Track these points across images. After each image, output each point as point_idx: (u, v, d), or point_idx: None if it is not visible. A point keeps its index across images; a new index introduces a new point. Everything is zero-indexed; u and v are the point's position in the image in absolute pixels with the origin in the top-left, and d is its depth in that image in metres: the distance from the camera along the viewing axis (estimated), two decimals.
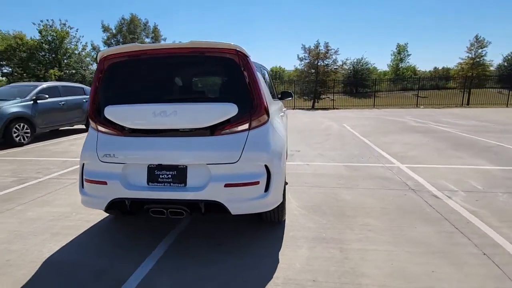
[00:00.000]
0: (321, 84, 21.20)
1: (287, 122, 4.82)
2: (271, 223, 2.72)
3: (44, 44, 31.03)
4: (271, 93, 3.48)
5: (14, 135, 6.95)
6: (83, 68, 25.61)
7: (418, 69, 44.17)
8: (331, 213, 2.97)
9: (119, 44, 21.42)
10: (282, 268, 2.09)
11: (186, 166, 2.18)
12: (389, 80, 28.66)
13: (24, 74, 32.97)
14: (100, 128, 2.35)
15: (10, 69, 31.03)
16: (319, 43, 20.87)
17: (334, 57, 20.81)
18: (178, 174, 2.19)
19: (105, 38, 24.16)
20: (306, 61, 21.67)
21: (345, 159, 5.20)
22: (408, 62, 41.11)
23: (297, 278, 1.97)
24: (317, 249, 2.33)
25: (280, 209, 2.54)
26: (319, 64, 21.25)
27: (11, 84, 9.32)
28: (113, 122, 2.27)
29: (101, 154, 2.27)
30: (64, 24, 29.63)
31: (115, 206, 2.26)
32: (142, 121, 2.23)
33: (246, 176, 2.16)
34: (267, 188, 2.20)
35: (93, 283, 1.95)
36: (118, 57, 2.30)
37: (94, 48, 24.47)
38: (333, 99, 21.17)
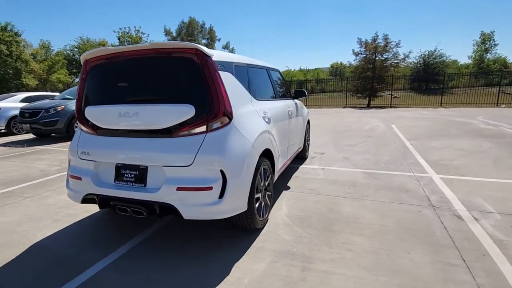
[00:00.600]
0: (378, 80, 19.47)
1: (301, 122, 4.54)
2: (244, 230, 2.59)
3: None
4: (266, 93, 3.31)
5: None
6: None
7: (510, 61, 37.37)
8: (317, 226, 2.69)
9: None
10: (229, 281, 1.96)
11: (147, 167, 2.21)
12: (469, 75, 24.69)
13: None
14: (81, 127, 2.54)
15: None
16: (377, 36, 19.17)
17: (394, 50, 18.87)
18: (140, 175, 2.23)
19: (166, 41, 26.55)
20: (362, 55, 20.13)
21: (370, 165, 4.67)
22: (495, 53, 35.04)
23: None
24: (278, 264, 2.12)
25: (249, 217, 2.40)
26: (376, 58, 19.55)
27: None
28: (91, 122, 2.43)
29: (79, 151, 2.45)
30: (138, 30, 33.20)
31: (88, 201, 2.42)
32: (110, 122, 2.34)
33: (199, 180, 2.08)
34: (221, 195, 2.09)
35: (50, 269, 2.12)
36: (95, 60, 2.45)
37: None
38: (395, 96, 19.19)
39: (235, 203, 2.18)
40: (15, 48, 24.32)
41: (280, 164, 3.25)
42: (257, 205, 2.50)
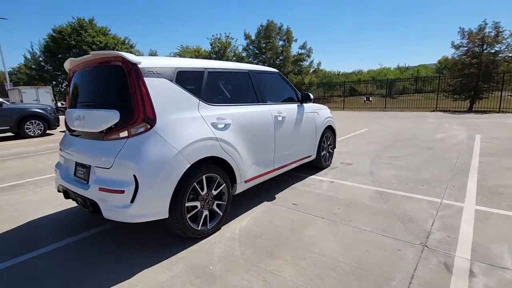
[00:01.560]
0: (485, 78, 15.74)
1: (309, 129, 4.12)
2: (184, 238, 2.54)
3: (212, 54, 39.06)
4: (238, 97, 3.14)
5: None
6: None
7: None
8: (259, 246, 2.42)
9: (256, 50, 24.13)
10: (121, 285, 1.98)
11: (90, 166, 2.43)
12: None
13: None
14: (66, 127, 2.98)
15: None
16: (485, 24, 15.49)
17: (509, 41, 14.88)
18: (86, 172, 2.47)
19: (244, 45, 27.87)
20: (464, 48, 16.62)
21: (395, 183, 3.87)
22: None
23: None
24: (178, 280, 2.01)
25: (177, 225, 2.35)
26: (484, 51, 15.84)
27: None
28: (65, 123, 2.83)
29: (60, 147, 2.88)
30: (228, 36, 36.05)
31: (61, 192, 2.82)
32: (71, 123, 2.67)
33: (115, 183, 2.17)
34: (133, 199, 2.13)
35: (10, 247, 2.54)
36: (70, 70, 2.83)
37: (235, 55, 28.59)
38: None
39: (148, 209, 2.18)
40: None
41: (251, 173, 3.05)
42: (190, 214, 2.43)
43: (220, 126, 2.68)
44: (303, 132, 3.99)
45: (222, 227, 2.77)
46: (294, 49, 25.75)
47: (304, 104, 4.13)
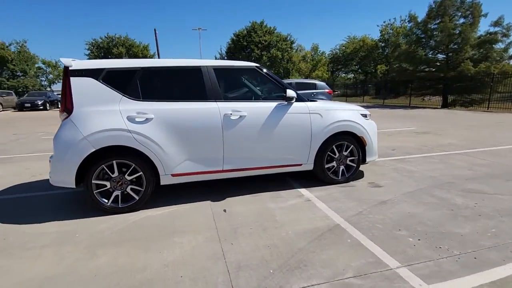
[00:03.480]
0: None
1: (294, 130, 3.48)
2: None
3: (380, 43, 35.79)
4: (175, 94, 3.22)
5: None
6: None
7: None
8: (139, 232, 2.59)
9: (420, 34, 19.59)
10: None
11: None
12: None
13: (360, 70, 40.56)
14: None
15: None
16: None
17: None
18: None
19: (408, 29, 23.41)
20: None
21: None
22: None
23: None
24: (48, 237, 2.59)
25: (90, 196, 2.92)
26: None
27: None
28: None
29: None
30: (404, 20, 31.66)
31: None
32: None
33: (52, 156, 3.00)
34: (51, 169, 2.88)
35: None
36: None
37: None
38: None
39: (59, 177, 2.86)
40: (287, 54, 32.46)
41: (183, 169, 3.10)
42: (98, 190, 2.91)
43: (138, 119, 2.95)
44: (285, 135, 3.43)
45: (141, 211, 3.07)
46: (483, 27, 18.66)
47: (296, 103, 3.50)
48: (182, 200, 3.32)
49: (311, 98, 4.67)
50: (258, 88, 3.84)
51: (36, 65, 36.56)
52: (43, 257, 2.24)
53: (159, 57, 36.55)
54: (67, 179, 2.87)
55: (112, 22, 71.96)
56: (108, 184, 2.96)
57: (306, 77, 42.58)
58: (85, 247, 2.37)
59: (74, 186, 2.89)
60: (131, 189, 3.03)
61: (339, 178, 3.83)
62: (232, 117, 3.23)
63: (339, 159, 3.80)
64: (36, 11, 70.02)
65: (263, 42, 31.12)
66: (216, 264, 2.11)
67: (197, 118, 3.14)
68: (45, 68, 38.13)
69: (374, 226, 2.66)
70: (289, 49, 33.05)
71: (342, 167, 3.84)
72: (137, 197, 3.04)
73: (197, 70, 3.27)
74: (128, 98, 3.00)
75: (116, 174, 2.95)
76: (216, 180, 3.47)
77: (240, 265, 2.09)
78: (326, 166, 3.73)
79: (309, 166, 3.65)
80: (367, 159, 3.91)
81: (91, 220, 2.86)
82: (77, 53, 49.24)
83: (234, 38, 32.41)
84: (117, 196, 3.00)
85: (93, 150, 2.82)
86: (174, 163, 3.08)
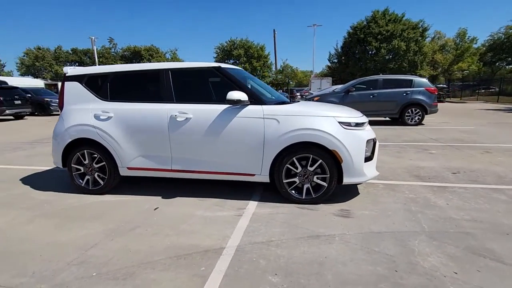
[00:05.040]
0: None
1: (248, 138, 3.16)
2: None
3: None
4: (137, 96, 3.50)
5: None
6: None
7: None
8: (71, 214, 3.13)
9: None
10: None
11: None
12: None
13: None
14: None
15: None
16: None
17: None
18: None
19: None
20: None
21: None
22: None
23: None
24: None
25: (70, 177, 3.70)
26: None
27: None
28: None
29: None
30: None
31: None
32: None
33: None
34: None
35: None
36: None
37: None
38: None
39: (54, 159, 3.71)
40: (414, 44, 27.30)
41: (136, 164, 3.42)
42: (77, 172, 3.61)
43: (102, 117, 3.44)
44: (232, 140, 3.19)
45: (106, 195, 3.60)
46: None
47: (250, 107, 3.17)
48: (140, 192, 3.66)
49: (295, 100, 4.02)
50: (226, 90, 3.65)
51: None
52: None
53: (275, 57, 38.74)
54: (57, 161, 3.71)
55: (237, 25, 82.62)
56: (82, 168, 3.63)
57: (444, 71, 34.77)
58: (34, 215, 3.06)
59: (61, 167, 3.71)
60: (98, 175, 3.60)
61: (303, 197, 3.18)
62: (178, 119, 3.26)
63: (303, 175, 3.15)
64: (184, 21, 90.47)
65: (384, 32, 27.45)
66: (72, 255, 2.30)
67: (147, 118, 3.36)
68: None
69: (255, 261, 2.15)
70: (419, 38, 27.80)
71: (307, 186, 3.17)
72: (102, 183, 3.59)
73: (155, 72, 3.47)
74: (99, 98, 3.55)
75: (87, 161, 3.58)
76: (189, 179, 3.60)
77: (83, 261, 2.21)
78: (285, 181, 3.18)
79: (263, 178, 3.22)
80: (345, 180, 3.06)
81: (67, 195, 3.61)
82: (208, 57, 59.89)
83: (351, 31, 30.09)
84: (88, 179, 3.64)
85: (70, 140, 3.53)
86: (129, 158, 3.44)
